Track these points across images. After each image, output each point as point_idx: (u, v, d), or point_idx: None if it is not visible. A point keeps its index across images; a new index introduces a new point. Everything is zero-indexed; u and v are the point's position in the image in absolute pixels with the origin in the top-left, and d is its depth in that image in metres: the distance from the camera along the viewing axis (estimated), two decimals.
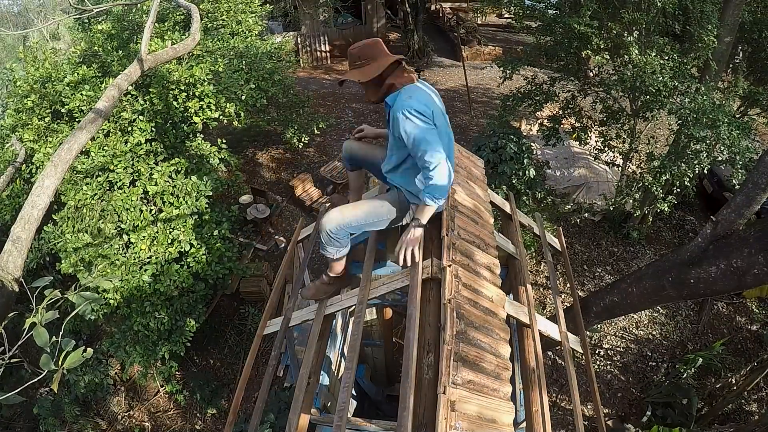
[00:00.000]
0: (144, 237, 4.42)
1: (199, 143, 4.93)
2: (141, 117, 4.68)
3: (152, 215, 4.57)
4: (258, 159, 9.52)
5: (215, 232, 4.87)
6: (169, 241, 4.53)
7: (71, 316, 1.74)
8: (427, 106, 2.03)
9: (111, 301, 4.36)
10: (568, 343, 3.08)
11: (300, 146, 7.60)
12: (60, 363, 1.44)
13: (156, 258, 4.50)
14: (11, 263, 2.15)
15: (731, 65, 6.67)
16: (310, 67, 13.48)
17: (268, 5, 9.03)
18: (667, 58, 5.36)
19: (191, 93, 4.86)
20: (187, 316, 4.92)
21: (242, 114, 5.53)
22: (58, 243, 4.34)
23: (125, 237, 4.43)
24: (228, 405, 5.66)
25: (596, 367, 5.86)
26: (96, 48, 5.38)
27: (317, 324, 2.63)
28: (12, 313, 1.92)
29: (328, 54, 13.80)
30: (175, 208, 4.57)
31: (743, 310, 6.58)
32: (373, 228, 2.43)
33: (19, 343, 1.63)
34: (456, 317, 2.05)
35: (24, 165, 4.73)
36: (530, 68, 7.26)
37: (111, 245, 4.36)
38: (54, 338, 1.53)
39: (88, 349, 1.51)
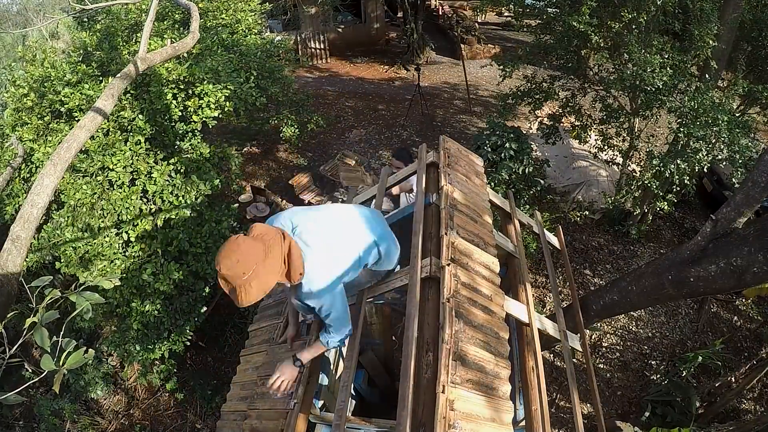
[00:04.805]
0: (144, 236, 4.42)
1: (198, 142, 4.93)
2: (140, 116, 4.68)
3: (152, 214, 4.57)
4: (257, 157, 9.52)
5: (215, 231, 4.87)
6: (169, 240, 4.53)
7: (72, 316, 1.74)
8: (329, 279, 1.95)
9: (111, 300, 4.37)
10: (567, 342, 3.09)
11: (299, 144, 7.58)
12: (61, 363, 1.44)
13: (156, 257, 4.50)
14: (11, 262, 2.16)
15: (732, 64, 6.67)
16: (310, 65, 13.48)
17: (267, 4, 9.01)
18: (666, 56, 5.36)
19: (190, 92, 4.86)
20: (187, 315, 4.93)
21: (241, 112, 5.52)
22: (58, 242, 4.34)
23: (125, 236, 4.43)
24: None
25: (595, 365, 5.86)
26: (94, 47, 5.37)
27: (316, 323, 2.63)
28: (12, 313, 1.92)
29: (327, 53, 13.80)
30: (175, 207, 4.57)
31: (741, 309, 6.59)
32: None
33: (19, 342, 1.63)
34: (455, 316, 2.06)
35: (23, 164, 4.73)
36: (530, 66, 7.26)
37: (111, 244, 4.36)
38: (54, 338, 1.53)
39: (90, 350, 1.51)
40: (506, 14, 14.89)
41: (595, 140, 7.00)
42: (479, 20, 15.90)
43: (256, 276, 1.65)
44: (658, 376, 5.72)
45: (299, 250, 1.86)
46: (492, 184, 5.53)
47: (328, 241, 1.98)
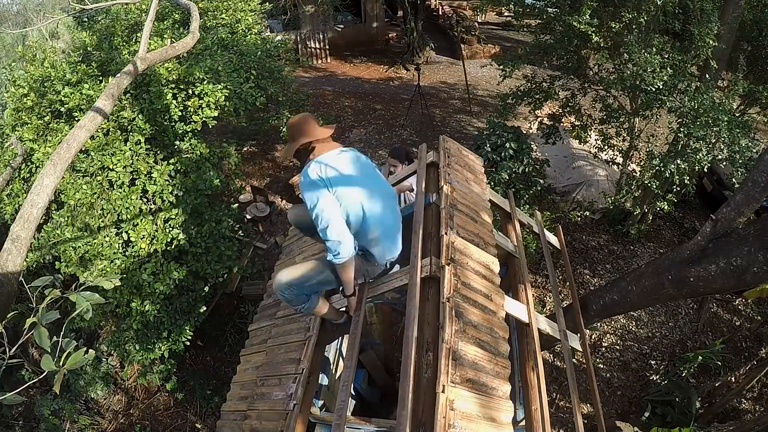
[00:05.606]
0: (143, 236, 4.42)
1: (198, 142, 4.93)
2: (140, 116, 4.67)
3: (152, 214, 4.57)
4: (257, 157, 9.51)
5: (215, 231, 4.86)
6: (169, 240, 4.53)
7: (72, 316, 1.74)
8: (318, 176, 2.19)
9: (111, 300, 4.37)
10: (567, 342, 3.09)
11: None
12: (61, 364, 1.43)
13: (155, 257, 4.50)
14: (11, 262, 2.16)
15: (732, 64, 6.67)
16: (310, 65, 13.48)
17: (267, 4, 9.01)
18: (666, 56, 5.36)
19: (190, 92, 4.86)
20: (187, 315, 4.93)
21: (241, 112, 5.51)
22: (58, 242, 4.33)
23: (124, 235, 4.43)
24: None
25: (595, 365, 5.86)
26: (94, 47, 5.37)
27: (316, 323, 2.63)
28: (12, 313, 1.92)
29: (327, 52, 13.80)
30: (175, 207, 4.57)
31: (741, 309, 6.59)
32: (326, 286, 2.41)
33: (20, 342, 1.63)
34: (455, 316, 2.06)
35: (23, 164, 4.73)
36: (529, 66, 7.25)
37: (111, 244, 4.36)
38: (54, 338, 1.53)
39: (90, 350, 1.51)
40: (506, 14, 14.89)
41: (595, 140, 7.00)
42: (479, 20, 15.91)
43: (292, 138, 2.31)
44: (658, 376, 5.71)
45: (326, 148, 2.28)
46: (492, 184, 5.53)
47: (346, 171, 2.25)
